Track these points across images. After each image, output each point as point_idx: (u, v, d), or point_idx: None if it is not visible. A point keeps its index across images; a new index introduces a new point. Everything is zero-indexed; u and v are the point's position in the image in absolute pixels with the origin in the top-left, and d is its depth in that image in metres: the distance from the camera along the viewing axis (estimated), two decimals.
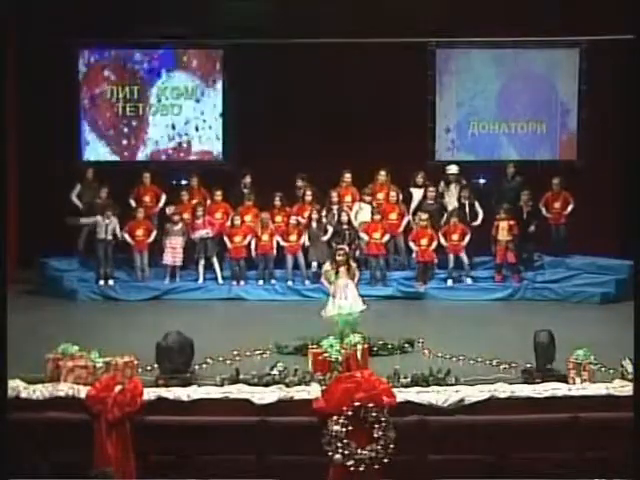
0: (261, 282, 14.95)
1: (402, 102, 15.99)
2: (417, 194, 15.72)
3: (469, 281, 14.97)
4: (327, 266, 11.51)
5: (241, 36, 15.88)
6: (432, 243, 14.97)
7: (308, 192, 15.38)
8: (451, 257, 15.02)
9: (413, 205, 15.66)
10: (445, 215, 15.39)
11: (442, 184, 15.72)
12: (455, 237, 15.04)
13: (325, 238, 14.92)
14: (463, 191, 15.43)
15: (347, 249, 11.77)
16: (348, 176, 15.62)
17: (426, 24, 15.92)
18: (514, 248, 14.97)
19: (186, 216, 15.31)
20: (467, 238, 15.06)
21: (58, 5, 15.41)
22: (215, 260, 15.08)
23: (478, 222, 15.36)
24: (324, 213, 15.24)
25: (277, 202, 15.32)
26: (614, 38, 15.58)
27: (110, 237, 14.95)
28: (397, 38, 15.77)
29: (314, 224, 15.03)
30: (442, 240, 15.04)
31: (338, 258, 11.31)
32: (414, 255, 15.15)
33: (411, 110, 16.19)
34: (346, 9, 15.57)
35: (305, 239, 15.05)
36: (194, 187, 15.76)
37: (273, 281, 14.96)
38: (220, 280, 15.04)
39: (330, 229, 14.99)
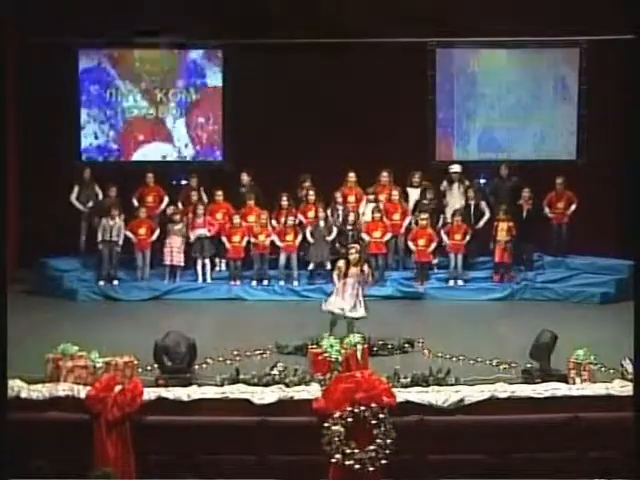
0: (255, 282, 14.93)
1: (402, 102, 15.99)
2: (413, 194, 15.72)
3: (460, 282, 14.95)
4: (340, 262, 11.34)
5: (241, 36, 15.89)
6: (430, 244, 14.96)
7: (311, 192, 15.38)
8: (452, 257, 15.03)
9: (410, 205, 15.65)
10: (443, 215, 15.40)
11: (444, 183, 15.73)
12: (458, 237, 15.04)
13: (330, 238, 14.90)
14: (469, 191, 15.43)
15: (358, 247, 11.50)
16: (352, 175, 15.59)
17: (426, 24, 15.91)
18: (511, 249, 14.96)
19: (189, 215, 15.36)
20: (467, 238, 15.07)
21: (58, 5, 15.41)
22: (207, 262, 15.08)
23: (483, 222, 15.36)
24: (329, 212, 15.22)
25: (284, 202, 15.27)
26: (614, 38, 15.58)
27: (115, 238, 14.94)
28: (397, 38, 15.77)
29: (321, 223, 15.00)
30: (445, 239, 15.04)
31: (351, 257, 11.13)
32: (412, 255, 15.17)
33: (411, 110, 16.19)
34: (346, 9, 15.55)
35: (309, 238, 15.02)
36: (194, 187, 15.77)
37: (265, 281, 14.93)
38: (208, 280, 15.03)
39: (335, 229, 14.97)
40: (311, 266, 14.94)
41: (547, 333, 9.78)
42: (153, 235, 15.15)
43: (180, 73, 16.74)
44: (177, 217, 15.17)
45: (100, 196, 15.58)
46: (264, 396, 8.97)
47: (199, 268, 15.06)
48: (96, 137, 16.67)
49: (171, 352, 9.56)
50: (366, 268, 11.25)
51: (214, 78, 16.71)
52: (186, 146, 16.81)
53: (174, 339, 9.64)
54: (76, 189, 15.64)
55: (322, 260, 14.79)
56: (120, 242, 14.99)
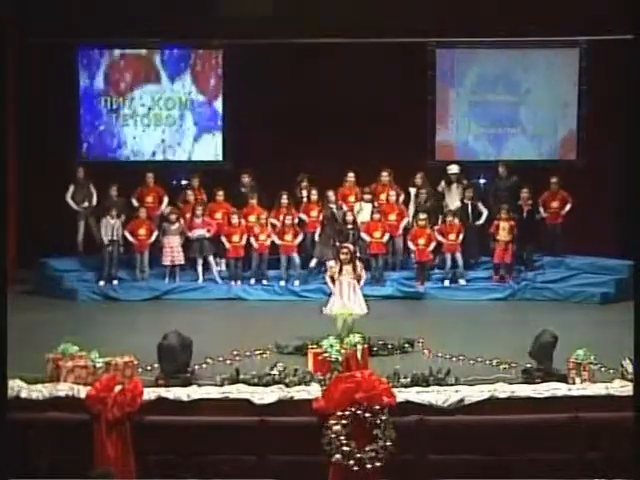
0: (253, 281, 14.94)
1: (402, 102, 15.99)
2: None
3: (462, 282, 14.95)
4: (332, 263, 11.46)
5: (241, 36, 15.89)
6: (430, 243, 14.96)
7: (313, 192, 15.37)
8: (448, 256, 15.02)
9: (412, 205, 15.66)
10: (443, 215, 15.39)
11: (442, 184, 15.72)
12: (452, 237, 15.03)
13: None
14: (467, 191, 15.43)
15: (351, 248, 11.67)
16: (351, 175, 15.60)
17: (426, 24, 15.91)
18: (512, 249, 14.96)
19: (186, 215, 15.35)
20: (461, 237, 15.05)
21: (58, 5, 15.41)
22: (211, 260, 15.08)
23: (481, 222, 15.36)
24: (336, 213, 15.20)
25: (284, 200, 15.27)
26: (614, 38, 15.58)
27: (117, 237, 14.95)
28: (397, 38, 15.77)
29: (328, 228, 14.97)
30: (440, 238, 15.03)
31: (342, 257, 11.25)
32: (412, 255, 15.16)
33: (411, 110, 16.18)
34: (346, 9, 15.55)
35: (317, 240, 15.03)
36: (194, 187, 15.77)
37: (265, 281, 14.95)
38: (218, 280, 15.04)
39: (336, 228, 14.98)
40: (312, 263, 14.91)
41: (547, 333, 9.78)
42: (152, 236, 15.14)
43: None
44: (174, 217, 15.17)
45: (95, 196, 15.56)
46: (264, 396, 8.96)
47: (199, 268, 15.06)
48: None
49: (176, 352, 9.56)
50: (358, 264, 11.34)
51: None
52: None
53: (176, 339, 9.64)
54: (71, 189, 15.63)
55: (326, 260, 14.77)
56: (121, 241, 15.02)
